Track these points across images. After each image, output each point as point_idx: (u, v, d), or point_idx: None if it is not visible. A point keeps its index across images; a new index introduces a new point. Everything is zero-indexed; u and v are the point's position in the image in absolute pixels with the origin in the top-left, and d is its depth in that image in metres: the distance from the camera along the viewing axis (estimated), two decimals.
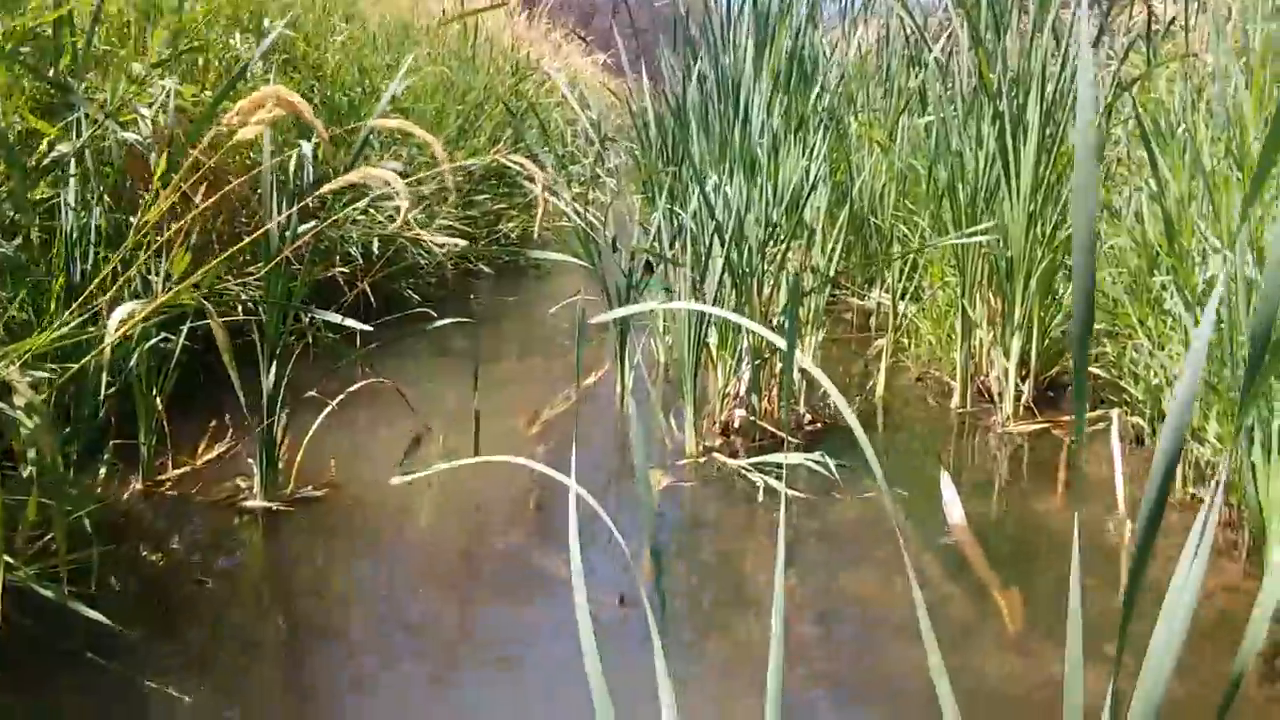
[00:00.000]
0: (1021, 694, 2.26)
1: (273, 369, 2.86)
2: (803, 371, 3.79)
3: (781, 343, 1.44)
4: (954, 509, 3.07)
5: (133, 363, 2.80)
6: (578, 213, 4.14)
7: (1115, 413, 3.49)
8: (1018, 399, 3.86)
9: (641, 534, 3.00)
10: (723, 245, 3.45)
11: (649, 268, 3.69)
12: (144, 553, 2.70)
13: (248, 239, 2.52)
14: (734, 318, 1.39)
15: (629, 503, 3.21)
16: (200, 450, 3.25)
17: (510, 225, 6.75)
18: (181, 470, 3.12)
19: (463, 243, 2.84)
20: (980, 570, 2.78)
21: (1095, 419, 3.75)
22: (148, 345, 2.81)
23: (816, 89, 5.15)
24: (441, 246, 5.21)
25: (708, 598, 2.71)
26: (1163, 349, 3.16)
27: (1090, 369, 3.90)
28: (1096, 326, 3.98)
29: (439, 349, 4.62)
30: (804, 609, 2.65)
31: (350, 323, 2.73)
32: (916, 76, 4.71)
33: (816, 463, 3.18)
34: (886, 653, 2.43)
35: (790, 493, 3.17)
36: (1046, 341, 3.99)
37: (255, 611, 2.51)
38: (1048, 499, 3.26)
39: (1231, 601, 2.60)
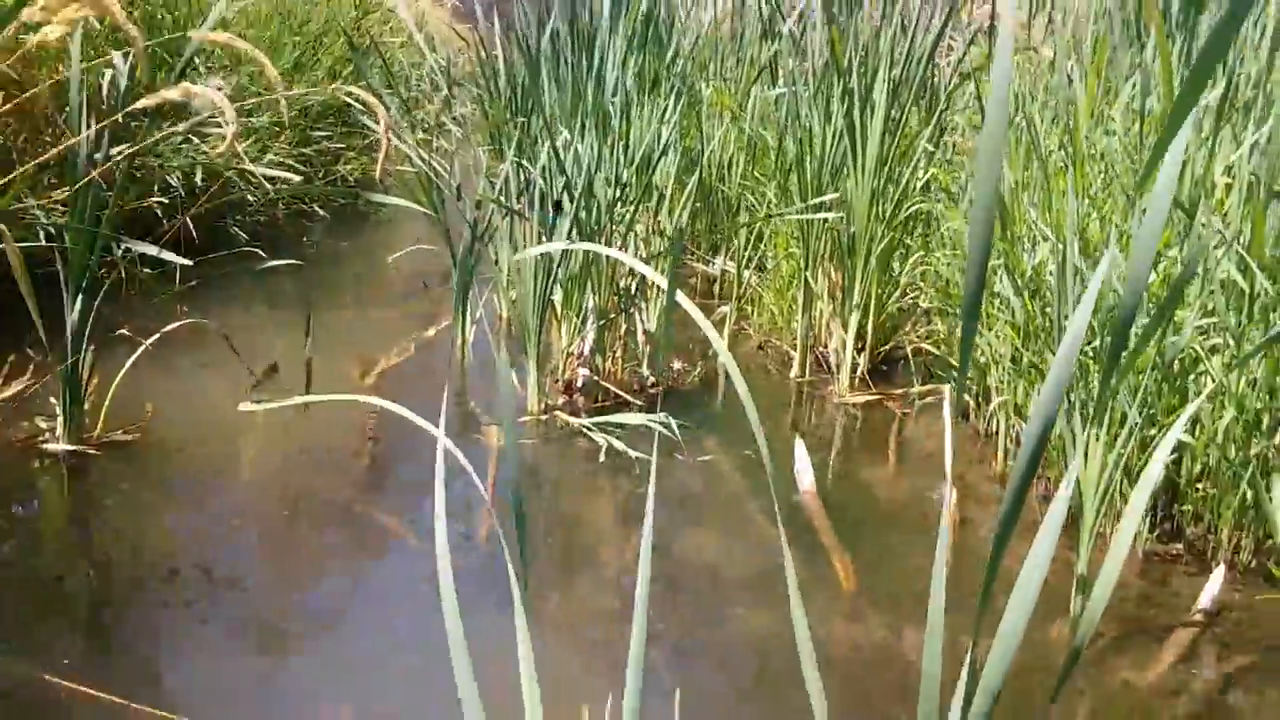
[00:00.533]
0: (855, 657, 2.32)
1: (78, 301, 2.62)
2: (646, 333, 3.77)
3: (662, 281, 1.37)
4: (805, 475, 3.12)
5: None
6: (422, 158, 3.97)
7: (947, 388, 3.62)
8: (854, 371, 3.96)
9: (499, 479, 2.92)
10: (572, 202, 3.38)
11: (558, 207, 3.57)
12: None
13: (49, 154, 2.28)
14: (623, 257, 1.33)
15: (470, 455, 3.11)
16: None
17: (349, 167, 6.44)
18: None
19: (295, 178, 2.65)
20: (824, 535, 2.83)
21: (924, 393, 3.90)
22: None
23: (671, 52, 5.12)
24: (273, 182, 4.93)
25: (546, 558, 2.65)
26: (990, 330, 3.30)
27: (922, 345, 4.04)
28: (928, 305, 4.12)
29: (268, 293, 4.37)
30: (629, 573, 2.64)
31: (167, 255, 2.51)
32: (770, 48, 4.74)
33: (660, 424, 3.17)
34: (727, 615, 2.45)
35: (633, 453, 3.15)
36: (883, 317, 4.10)
37: (50, 563, 2.30)
38: (880, 468, 3.36)
39: (1050, 574, 2.74)
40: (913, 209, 3.87)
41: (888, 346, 4.20)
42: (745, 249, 4.37)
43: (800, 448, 3.24)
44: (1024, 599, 1.16)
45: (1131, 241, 2.67)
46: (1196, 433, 2.72)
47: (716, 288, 5.02)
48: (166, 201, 4.19)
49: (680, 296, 1.21)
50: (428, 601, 2.35)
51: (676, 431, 3.14)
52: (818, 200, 3.82)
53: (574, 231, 3.42)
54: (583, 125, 3.84)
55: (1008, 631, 1.15)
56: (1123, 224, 2.68)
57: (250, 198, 5.31)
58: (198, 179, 4.50)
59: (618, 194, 3.53)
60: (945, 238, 3.70)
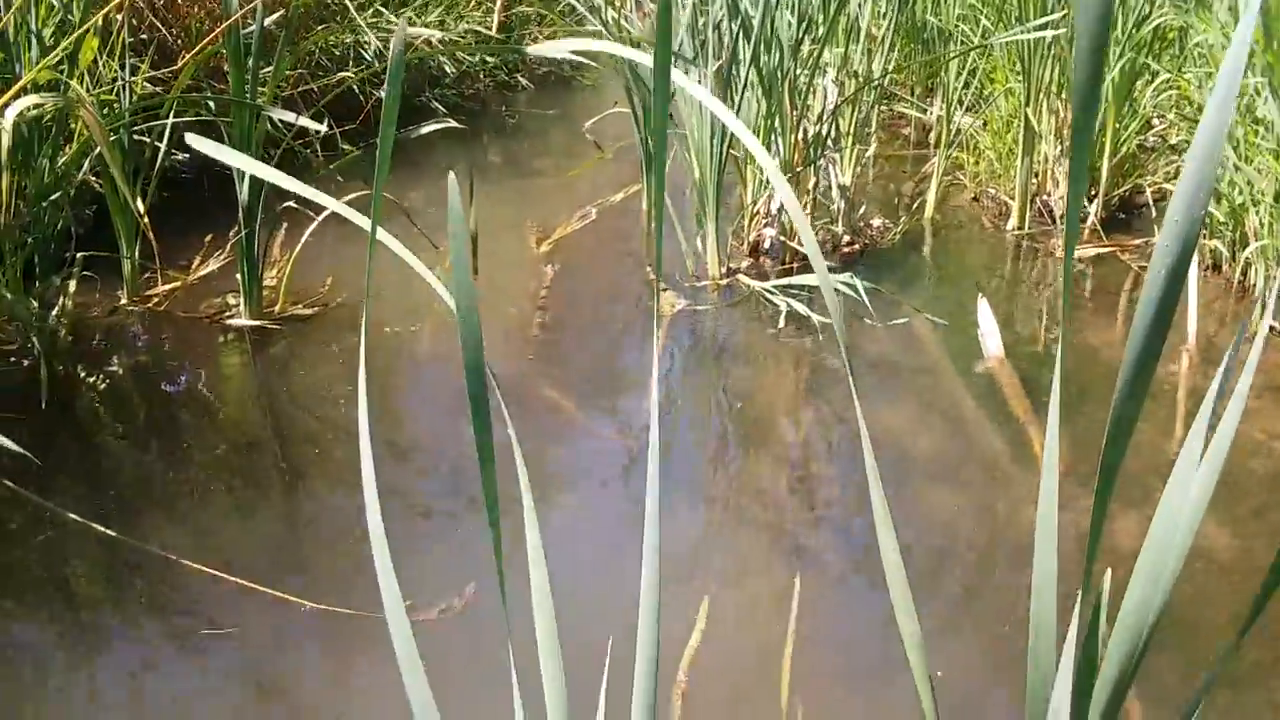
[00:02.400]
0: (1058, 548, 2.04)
1: (246, 178, 2.63)
2: (840, 187, 3.45)
3: (773, 168, 1.12)
4: (991, 339, 2.79)
5: (84, 167, 2.59)
6: (604, 20, 3.75)
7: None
8: (1083, 220, 3.49)
9: (668, 347, 2.79)
10: (749, 42, 3.07)
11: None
12: (112, 367, 2.57)
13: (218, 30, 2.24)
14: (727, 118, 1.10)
15: (641, 323, 2.98)
16: (194, 266, 3.08)
17: (548, 31, 6.31)
18: (171, 286, 2.96)
19: (438, 35, 2.50)
20: (1016, 406, 2.52)
21: None
22: (110, 144, 2.59)
23: None
24: (471, 54, 4.86)
25: (714, 434, 2.50)
26: (1250, 162, 2.76)
27: (1166, 186, 3.50)
28: (1174, 138, 3.55)
29: (457, 164, 4.35)
30: (819, 446, 2.43)
31: (305, 121, 2.45)
32: None
33: (846, 284, 2.90)
34: (911, 499, 2.22)
35: (817, 318, 2.90)
36: (1120, 156, 3.57)
37: (226, 436, 2.37)
38: (1106, 331, 2.95)
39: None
40: (1158, 22, 3.28)
41: (1125, 190, 3.67)
42: (959, 89, 3.90)
43: (985, 308, 2.88)
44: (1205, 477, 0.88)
45: None
46: None
47: (932, 135, 4.56)
48: (359, 76, 4.20)
49: (844, 179, 0.98)
50: (612, 486, 2.26)
51: (863, 294, 2.86)
52: (1040, 21, 3.31)
53: (754, 76, 3.12)
54: None
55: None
56: None
57: (449, 69, 5.29)
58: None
59: (802, 30, 3.18)
60: (1196, 55, 3.12)
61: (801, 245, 3.32)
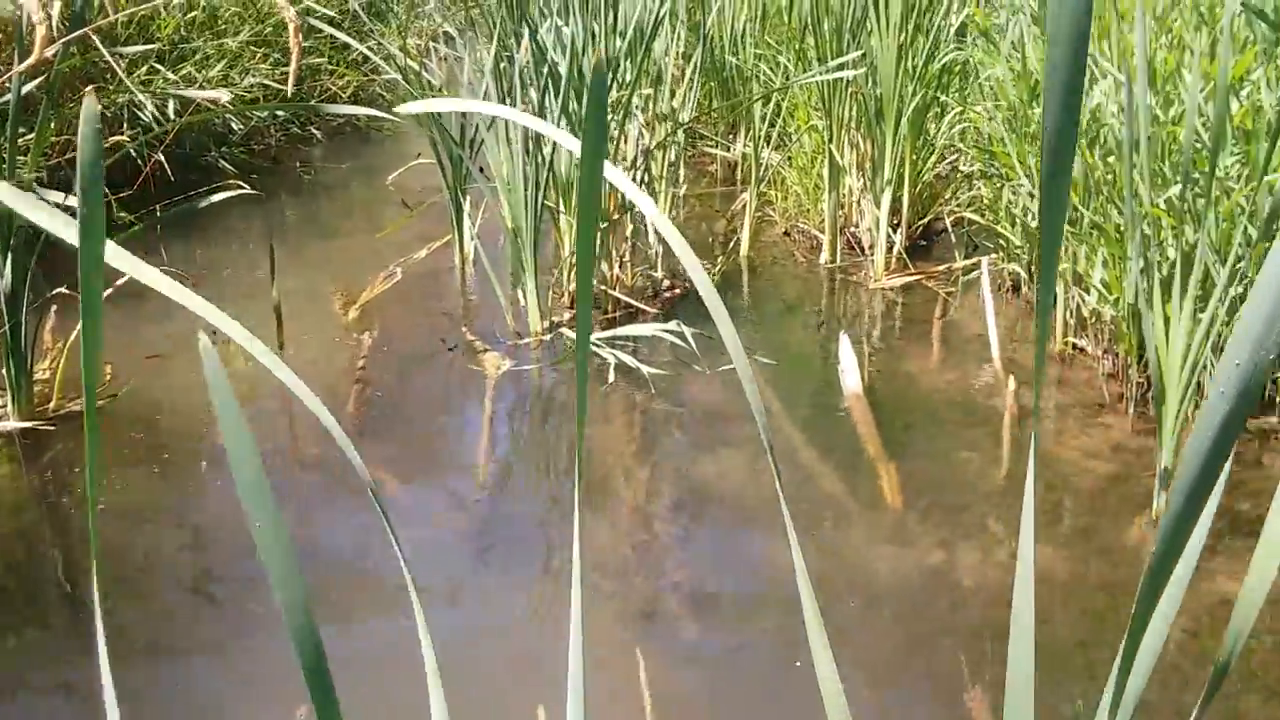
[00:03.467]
0: (904, 588, 2.02)
1: (8, 261, 2.34)
2: (657, 232, 3.42)
3: (643, 201, 1.03)
4: (850, 375, 2.79)
5: None
6: (401, 66, 3.60)
7: (985, 260, 3.24)
8: (889, 250, 3.58)
9: (500, 411, 2.65)
10: (557, 93, 3.00)
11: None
12: None
13: None
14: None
15: (468, 386, 2.84)
16: None
17: (341, 83, 6.08)
18: None
19: (225, 96, 2.31)
20: (870, 444, 2.52)
21: (968, 268, 3.51)
22: None
23: None
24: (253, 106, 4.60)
25: (555, 497, 2.38)
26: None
27: (963, 213, 3.64)
28: (969, 168, 3.70)
29: (246, 228, 4.08)
30: (659, 501, 2.35)
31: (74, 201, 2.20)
32: None
33: (673, 333, 2.85)
34: (750, 553, 2.16)
35: (647, 370, 2.83)
36: (919, 187, 3.70)
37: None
38: (923, 359, 3.01)
39: (1121, 463, 2.41)
40: (946, 59, 3.42)
41: (926, 219, 3.80)
42: (763, 126, 3.95)
43: (846, 345, 2.90)
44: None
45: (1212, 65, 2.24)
46: None
47: (738, 173, 4.62)
48: (129, 140, 3.88)
49: (661, 221, 0.89)
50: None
51: (692, 341, 2.81)
52: (839, 61, 3.39)
53: (565, 124, 3.05)
54: (566, 6, 3.43)
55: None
56: (1197, 44, 2.24)
57: (236, 126, 5.00)
58: (170, 111, 4.19)
59: (611, 77, 3.14)
60: (985, 89, 3.26)
61: (622, 294, 3.25)
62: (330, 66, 5.82)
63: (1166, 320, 2.10)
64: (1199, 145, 2.19)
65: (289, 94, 2.98)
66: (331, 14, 5.49)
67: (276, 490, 2.28)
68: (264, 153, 5.25)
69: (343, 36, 3.89)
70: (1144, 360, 2.59)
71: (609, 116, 3.16)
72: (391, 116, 3.49)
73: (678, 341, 2.87)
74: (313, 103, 5.59)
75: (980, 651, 1.85)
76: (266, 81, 4.93)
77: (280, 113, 5.27)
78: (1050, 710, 1.71)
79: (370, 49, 4.30)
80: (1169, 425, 2.11)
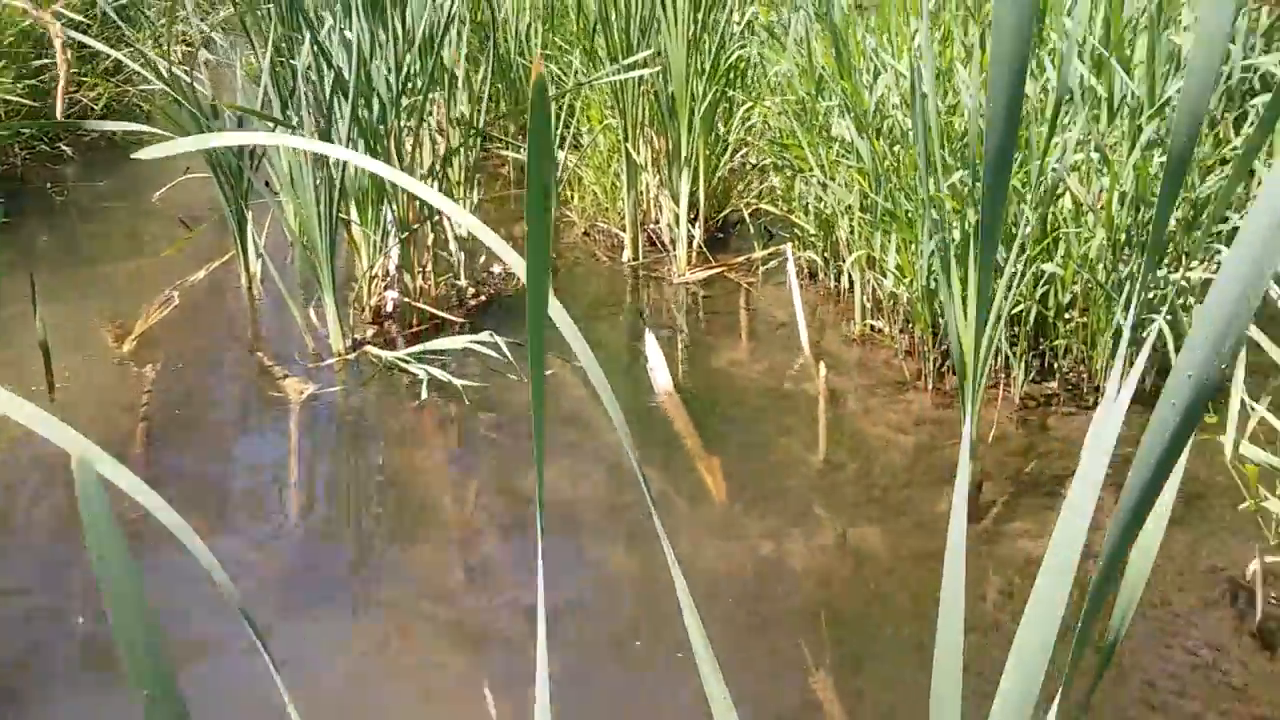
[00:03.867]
0: (739, 578, 2.04)
1: None
2: (459, 239, 3.33)
3: (446, 205, 0.97)
4: (660, 373, 2.80)
5: None
6: (162, 74, 3.34)
7: (789, 250, 3.33)
8: (690, 244, 3.63)
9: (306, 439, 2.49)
10: (346, 98, 2.86)
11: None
12: None
13: None
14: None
15: (270, 415, 2.66)
16: None
17: (93, 94, 5.60)
18: None
19: None
20: (689, 439, 2.53)
21: (766, 257, 3.61)
22: None
23: None
24: None
25: (374, 528, 2.26)
26: (834, 179, 3.00)
27: (758, 205, 3.73)
28: (758, 160, 3.80)
29: (10, 255, 3.70)
30: (488, 517, 2.28)
31: None
32: None
33: (486, 344, 2.78)
34: (587, 560, 2.13)
35: (460, 383, 2.75)
36: (715, 181, 3.77)
37: None
38: (732, 350, 3.07)
39: (937, 433, 2.52)
40: (734, 56, 3.49)
41: (724, 213, 3.88)
42: (558, 126, 3.92)
43: (652, 343, 2.90)
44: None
45: (985, 56, 2.37)
46: (1063, 261, 2.51)
47: None
48: None
49: (470, 220, 0.83)
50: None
51: (506, 351, 2.75)
52: (630, 60, 3.40)
53: (355, 133, 2.91)
54: (348, 7, 3.28)
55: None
56: (966, 38, 2.38)
57: None
58: None
59: (402, 82, 3.02)
60: (773, 83, 3.35)
61: (427, 305, 3.15)
62: (81, 77, 5.36)
63: (964, 299, 2.21)
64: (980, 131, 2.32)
65: (54, 113, 2.70)
66: (77, 18, 5.06)
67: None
68: (8, 173, 4.78)
69: (95, 44, 3.57)
70: (938, 337, 2.73)
71: (403, 123, 3.05)
72: (160, 132, 3.24)
73: (489, 351, 2.80)
74: (83, 121, 5.14)
75: (819, 634, 1.89)
76: (8, 97, 4.48)
77: (25, 130, 4.80)
78: (888, 687, 1.77)
79: (128, 56, 3.97)
80: (969, 400, 2.23)
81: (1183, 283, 2.51)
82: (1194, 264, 2.51)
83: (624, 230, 3.76)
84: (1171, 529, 2.10)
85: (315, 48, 2.88)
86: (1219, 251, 2.48)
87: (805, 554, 2.12)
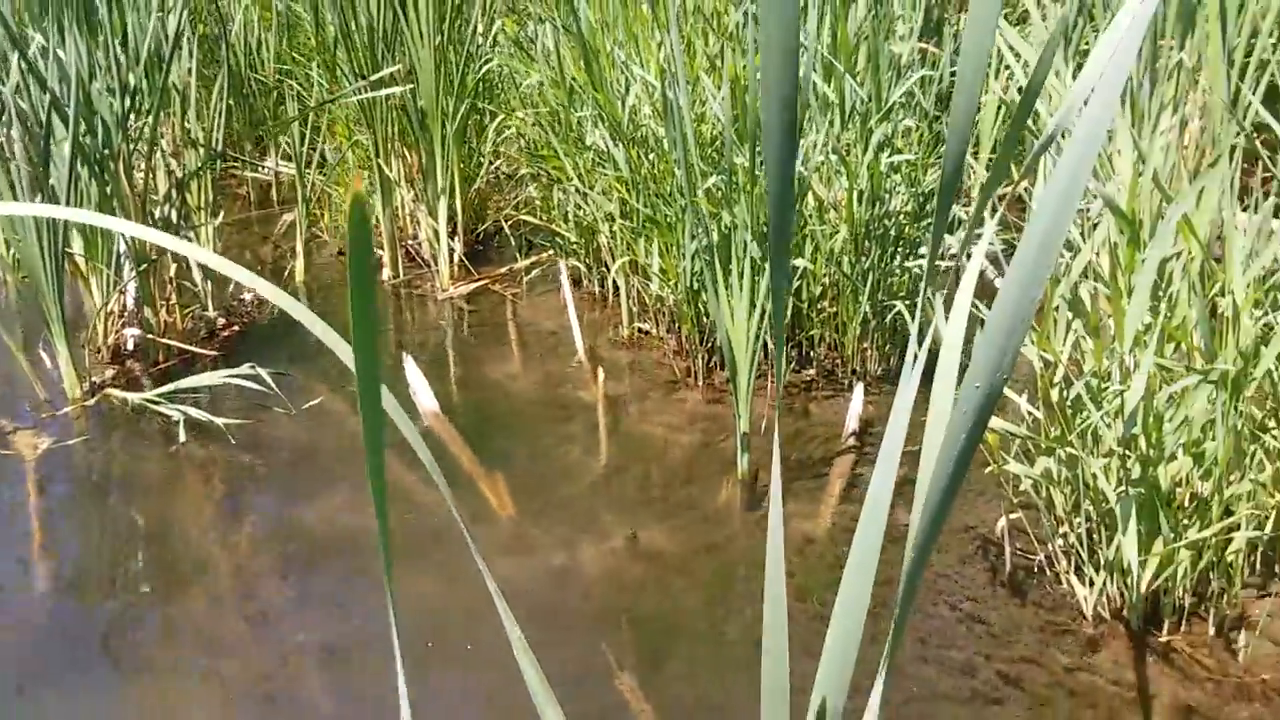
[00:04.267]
0: (535, 590, 2.04)
1: None
2: (202, 266, 3.14)
3: (176, 244, 0.94)
4: (424, 395, 2.74)
5: None
6: None
7: (562, 262, 3.36)
8: (452, 259, 3.59)
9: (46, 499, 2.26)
10: (65, 124, 2.63)
11: None
12: None
13: None
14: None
15: (6, 475, 2.41)
16: None
17: None
18: None
19: None
20: (465, 460, 2.50)
21: (529, 267, 3.62)
22: None
23: None
24: None
25: (128, 593, 2.10)
26: (593, 188, 3.05)
27: (518, 216, 3.74)
28: (515, 170, 3.81)
29: None
30: (264, 561, 2.16)
31: None
32: None
33: (247, 377, 2.64)
34: (372, 595, 2.07)
35: (222, 422, 2.59)
36: (472, 193, 3.74)
37: None
38: (504, 362, 3.06)
39: (711, 428, 2.61)
40: (485, 69, 3.48)
41: (484, 225, 3.86)
42: (303, 144, 3.77)
43: (412, 365, 2.85)
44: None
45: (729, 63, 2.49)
46: (813, 256, 2.68)
47: (274, 193, 4.38)
48: None
49: (204, 254, 0.80)
50: None
51: (270, 382, 2.62)
52: (378, 76, 3.31)
53: (79, 161, 2.68)
54: (59, 24, 3.01)
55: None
56: (708, 49, 2.49)
57: None
58: None
59: (128, 104, 2.80)
60: (524, 95, 3.37)
61: (174, 340, 2.95)
62: None
63: (731, 302, 2.31)
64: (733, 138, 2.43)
65: None
66: None
67: None
68: None
69: None
70: (704, 336, 2.84)
71: (132, 146, 2.83)
72: None
73: (252, 384, 2.66)
74: None
75: (620, 635, 1.93)
76: None
77: None
78: (691, 680, 1.82)
79: None
80: (742, 393, 2.33)
81: (915, 269, 2.74)
82: (922, 252, 2.74)
83: (382, 248, 3.66)
84: None
85: (24, 67, 2.63)
86: (945, 240, 2.72)
87: (597, 559, 2.15)
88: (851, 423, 2.57)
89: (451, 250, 3.63)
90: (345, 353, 0.80)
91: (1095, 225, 1.86)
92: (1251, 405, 1.77)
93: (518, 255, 3.72)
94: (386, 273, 3.67)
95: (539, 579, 2.09)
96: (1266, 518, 1.87)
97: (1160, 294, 1.77)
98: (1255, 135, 2.27)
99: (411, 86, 3.32)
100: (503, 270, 3.68)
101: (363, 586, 2.08)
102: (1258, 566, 1.94)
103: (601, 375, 2.86)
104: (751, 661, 1.06)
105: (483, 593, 2.00)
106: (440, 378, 2.94)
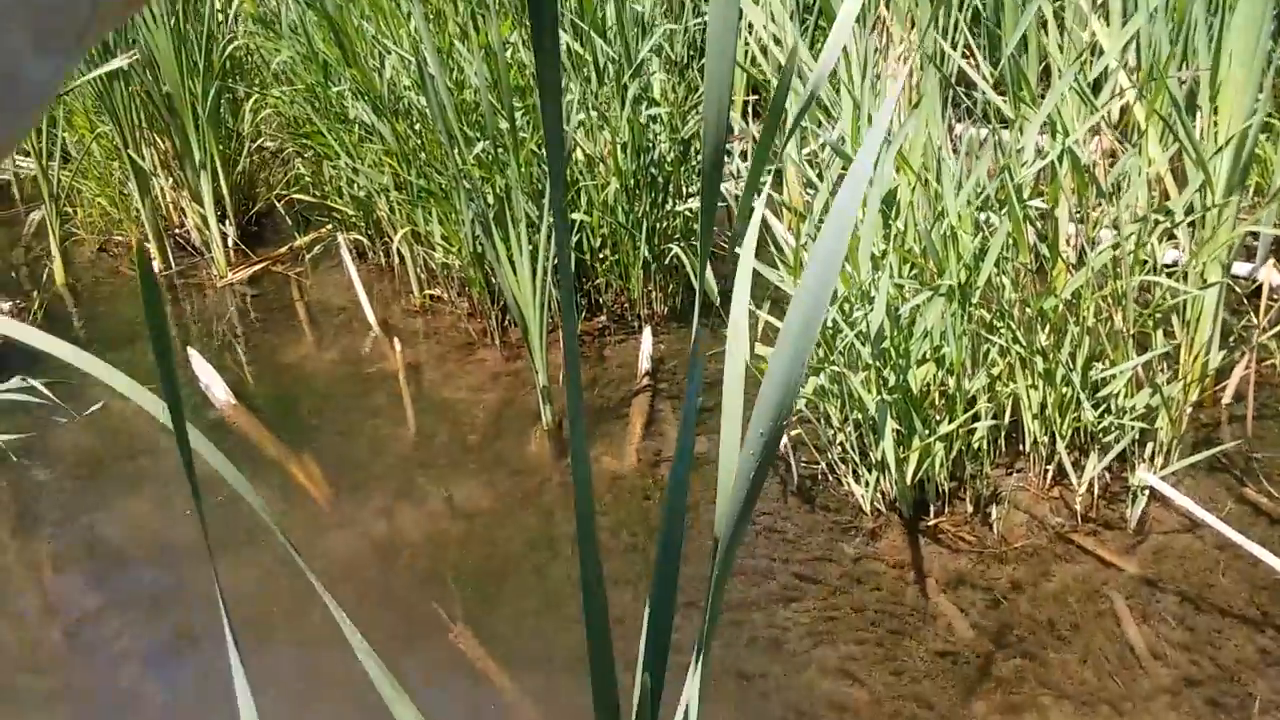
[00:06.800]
0: (360, 562, 2.10)
1: None
2: None
3: None
4: (216, 388, 2.69)
5: None
6: None
7: (341, 236, 3.34)
8: (226, 244, 3.49)
9: None
10: None
11: None
12: None
13: None
14: None
15: None
16: None
17: None
18: None
19: None
20: (271, 447, 2.49)
21: (309, 244, 3.58)
22: None
23: None
24: None
25: None
26: (363, 161, 3.04)
27: (290, 194, 3.67)
28: (285, 149, 3.73)
29: None
30: (69, 573, 2.12)
31: None
32: None
33: (21, 391, 2.52)
34: (183, 593, 2.07)
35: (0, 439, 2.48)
36: (236, 176, 3.63)
37: None
38: (297, 346, 3.04)
39: (513, 384, 2.70)
40: (229, 48, 3.37)
41: (255, 206, 3.76)
42: (39, 139, 3.53)
43: (198, 358, 2.79)
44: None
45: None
46: (588, 209, 2.79)
47: (15, 192, 4.09)
48: None
49: None
50: None
51: (46, 391, 2.52)
52: (109, 67, 3.15)
53: None
54: None
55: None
56: (459, 17, 2.52)
57: None
58: None
59: None
60: (278, 73, 3.29)
61: None
62: None
63: (514, 261, 2.39)
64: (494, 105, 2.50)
65: None
66: None
67: None
68: None
69: None
70: (494, 296, 2.91)
71: None
72: None
73: (26, 397, 2.54)
74: None
75: (449, 592, 2.02)
76: None
77: None
78: (520, 625, 1.94)
79: None
80: (537, 348, 2.44)
81: (686, 212, 2.90)
82: (690, 196, 2.91)
83: (147, 240, 3.51)
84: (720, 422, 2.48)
85: None
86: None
87: (418, 524, 2.23)
88: (644, 363, 2.72)
89: (224, 235, 3.52)
90: (116, 381, 0.84)
91: (829, 166, 2.06)
92: (981, 310, 2.03)
93: (296, 234, 3.65)
94: (156, 265, 3.53)
95: (363, 551, 2.14)
96: (1004, 406, 2.16)
97: (891, 223, 1.99)
98: (957, 83, 2.54)
99: (144, 64, 3.17)
100: (282, 250, 3.62)
101: (177, 586, 2.07)
102: (1003, 448, 2.23)
103: (398, 346, 2.90)
104: (577, 598, 1.18)
105: (313, 572, 2.05)
106: (232, 367, 2.89)
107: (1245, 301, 2.56)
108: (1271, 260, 2.52)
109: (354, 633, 0.87)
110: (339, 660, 1.84)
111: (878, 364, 1.94)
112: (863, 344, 1.93)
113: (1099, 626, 1.81)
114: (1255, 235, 2.59)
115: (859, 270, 1.90)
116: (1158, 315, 2.04)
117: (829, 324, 2.01)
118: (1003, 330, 2.02)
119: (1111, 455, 2.02)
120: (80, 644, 1.92)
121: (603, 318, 2.99)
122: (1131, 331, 2.00)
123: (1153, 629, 1.79)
